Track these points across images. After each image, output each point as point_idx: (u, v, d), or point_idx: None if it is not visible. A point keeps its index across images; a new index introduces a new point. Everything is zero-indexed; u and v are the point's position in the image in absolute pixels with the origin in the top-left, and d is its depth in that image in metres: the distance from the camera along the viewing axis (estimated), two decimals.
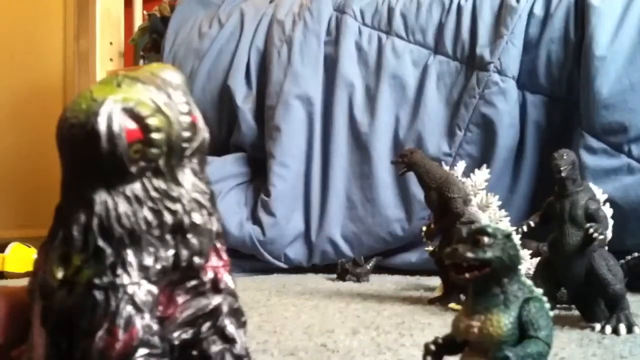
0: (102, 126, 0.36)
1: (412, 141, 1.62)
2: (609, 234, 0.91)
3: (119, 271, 0.37)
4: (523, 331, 0.45)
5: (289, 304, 1.13)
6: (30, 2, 3.07)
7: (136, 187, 0.38)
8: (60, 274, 0.37)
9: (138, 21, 2.49)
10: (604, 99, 1.39)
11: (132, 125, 0.37)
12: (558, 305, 0.98)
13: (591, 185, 0.93)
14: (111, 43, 2.33)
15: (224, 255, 0.42)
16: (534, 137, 1.55)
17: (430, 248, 1.18)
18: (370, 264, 1.50)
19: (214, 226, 0.41)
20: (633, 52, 1.41)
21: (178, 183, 0.39)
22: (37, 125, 3.04)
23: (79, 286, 0.37)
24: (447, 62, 1.66)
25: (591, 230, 0.85)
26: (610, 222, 0.92)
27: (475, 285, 0.48)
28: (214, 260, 0.41)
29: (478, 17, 1.63)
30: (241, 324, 0.43)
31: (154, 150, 0.38)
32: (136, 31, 2.40)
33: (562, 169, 0.88)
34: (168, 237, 0.39)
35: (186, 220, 0.39)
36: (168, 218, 0.39)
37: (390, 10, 1.76)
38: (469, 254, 0.46)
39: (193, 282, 0.40)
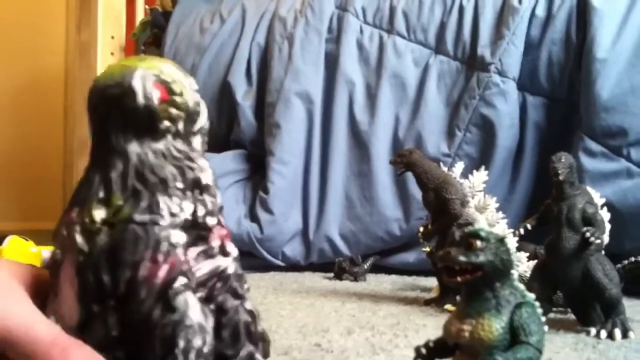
0: (137, 84, 0.41)
1: (411, 140, 1.62)
2: (606, 238, 0.90)
3: (155, 211, 0.40)
4: (514, 336, 0.45)
5: (285, 303, 1.12)
6: None
7: (161, 145, 0.42)
8: (99, 216, 0.40)
9: (140, 15, 2.48)
10: (604, 101, 1.39)
11: (161, 87, 0.42)
12: (554, 309, 0.98)
13: (589, 188, 0.92)
14: (113, 37, 2.33)
15: (226, 227, 0.45)
16: (534, 138, 1.55)
17: (427, 248, 1.18)
18: (368, 263, 1.50)
19: (218, 198, 0.44)
20: (634, 55, 1.41)
21: (193, 148, 0.44)
22: (38, 116, 3.04)
23: (119, 225, 0.40)
24: (448, 62, 1.66)
25: (588, 234, 0.85)
26: (608, 226, 0.92)
27: (467, 289, 0.47)
28: (220, 228, 0.44)
29: (480, 17, 1.63)
30: (246, 289, 0.45)
31: (177, 112, 0.42)
32: (137, 25, 2.40)
33: (559, 172, 0.88)
34: (189, 193, 0.42)
35: (203, 178, 0.43)
36: (189, 174, 0.42)
37: (392, 9, 1.76)
38: (461, 258, 0.46)
39: (203, 246, 0.42)
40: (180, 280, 0.40)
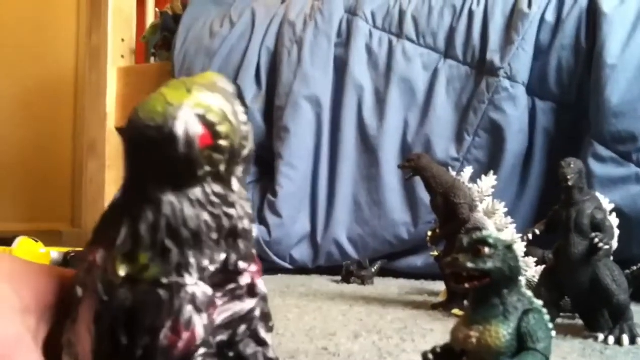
0: (180, 130, 0.37)
1: (420, 145, 1.62)
2: (615, 244, 0.90)
3: (183, 271, 0.38)
4: (521, 343, 0.45)
5: (293, 306, 1.13)
6: None
7: (197, 191, 0.39)
8: (123, 271, 0.38)
9: (150, 18, 2.50)
10: (614, 107, 1.38)
11: (204, 131, 0.38)
12: (562, 314, 0.97)
13: (598, 194, 0.92)
14: (123, 40, 2.34)
15: (258, 261, 0.43)
16: (543, 144, 1.54)
17: (435, 253, 1.18)
18: (375, 267, 1.50)
19: (255, 232, 0.42)
20: None
21: (232, 189, 0.41)
22: (48, 119, 3.06)
23: (143, 284, 0.38)
24: (457, 67, 1.66)
25: (596, 240, 0.85)
26: (616, 232, 0.92)
27: (475, 296, 0.47)
28: (252, 266, 0.42)
29: (489, 22, 1.63)
30: (270, 329, 0.43)
31: (219, 157, 0.39)
32: (148, 28, 2.41)
33: (569, 177, 0.88)
34: (223, 241, 0.40)
35: (240, 225, 0.41)
36: (225, 222, 0.40)
37: (402, 14, 1.76)
38: (469, 264, 0.46)
39: (231, 286, 0.41)
40: (201, 351, 0.38)
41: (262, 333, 0.43)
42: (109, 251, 0.39)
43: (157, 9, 2.46)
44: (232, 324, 0.41)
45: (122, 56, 2.33)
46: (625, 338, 0.83)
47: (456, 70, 1.65)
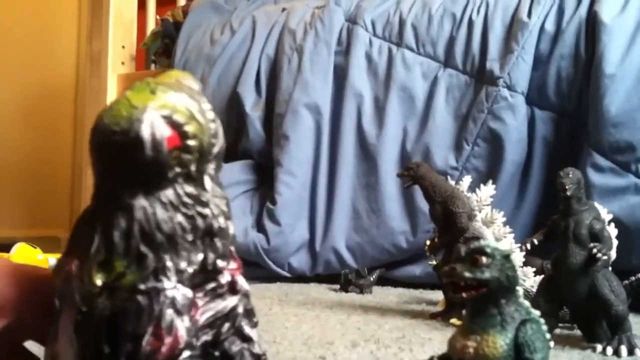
0: (146, 133, 0.37)
1: (419, 153, 1.62)
2: (613, 254, 0.90)
3: (161, 276, 0.38)
4: (519, 353, 0.45)
5: (291, 314, 1.13)
6: (46, 4, 3.09)
7: (169, 193, 0.39)
8: (100, 280, 0.38)
9: (151, 25, 2.50)
10: (613, 117, 1.38)
11: (172, 132, 0.38)
12: (560, 325, 0.97)
13: (596, 204, 0.92)
14: (123, 46, 2.35)
15: (237, 258, 0.43)
16: (542, 153, 1.54)
17: (434, 262, 1.18)
18: (374, 276, 1.49)
19: (231, 229, 0.42)
20: None
21: (204, 188, 0.40)
22: (48, 125, 3.06)
23: (121, 291, 0.37)
24: (457, 76, 1.66)
25: (595, 250, 0.85)
26: (615, 242, 0.92)
27: (473, 305, 0.47)
28: (231, 263, 0.42)
29: (489, 31, 1.63)
30: (254, 324, 0.43)
31: (188, 157, 0.39)
32: (148, 35, 2.41)
33: (567, 187, 0.88)
34: (199, 241, 0.40)
35: (215, 224, 0.40)
36: (200, 222, 0.40)
37: (402, 22, 1.76)
38: (467, 274, 0.46)
39: (212, 285, 0.40)
40: (185, 354, 0.38)
41: (247, 329, 0.43)
42: (83, 261, 0.38)
43: (157, 16, 2.47)
44: (215, 322, 0.41)
45: (123, 63, 2.33)
46: (624, 349, 0.83)
47: (455, 79, 1.66)
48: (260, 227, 1.67)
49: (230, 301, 0.41)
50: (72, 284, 0.38)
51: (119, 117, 0.37)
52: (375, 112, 1.72)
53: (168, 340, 0.37)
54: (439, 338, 0.92)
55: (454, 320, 1.04)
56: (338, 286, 1.49)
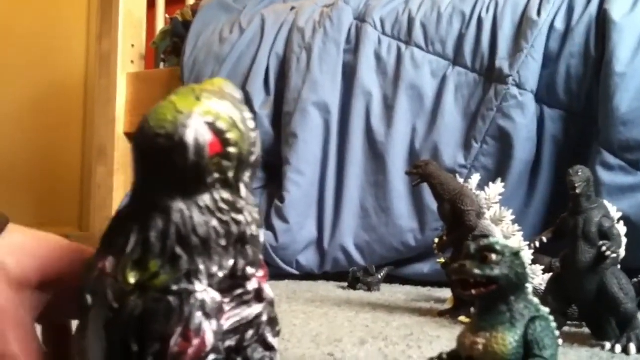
0: (190, 138, 0.38)
1: (428, 152, 1.62)
2: (622, 252, 0.90)
3: (193, 278, 0.38)
4: (528, 350, 0.45)
5: (299, 312, 1.13)
6: (55, 3, 3.11)
7: (206, 198, 0.39)
8: (133, 279, 0.38)
9: (160, 24, 2.51)
10: (623, 115, 1.38)
11: (214, 138, 0.39)
12: (569, 323, 0.97)
13: (605, 202, 0.92)
14: (133, 45, 2.35)
15: (265, 267, 0.44)
16: (551, 151, 1.54)
17: (442, 260, 1.18)
18: (382, 274, 1.50)
19: (262, 238, 0.43)
20: None
21: (240, 195, 0.41)
22: (57, 124, 3.07)
23: (153, 291, 0.38)
24: (466, 74, 1.66)
25: (604, 248, 0.85)
26: (624, 240, 0.91)
27: (482, 302, 0.48)
28: (259, 271, 0.42)
29: (498, 29, 1.63)
30: (276, 333, 0.44)
31: (228, 163, 0.39)
32: (158, 34, 2.42)
33: (576, 185, 0.88)
34: (231, 247, 0.40)
35: (248, 231, 0.41)
36: (234, 229, 0.40)
37: (411, 21, 1.76)
38: (476, 271, 0.46)
39: (239, 291, 0.41)
40: (210, 357, 0.38)
41: (269, 338, 0.43)
42: (118, 259, 0.39)
43: (167, 15, 2.47)
44: (239, 329, 0.41)
45: (132, 62, 2.34)
46: (633, 347, 0.83)
47: (465, 77, 1.65)
48: (268, 225, 1.67)
49: (256, 309, 0.42)
50: (105, 281, 0.39)
51: (164, 121, 0.38)
52: (384, 111, 1.72)
53: (196, 342, 0.38)
54: (447, 336, 0.92)
55: (462, 318, 1.04)
56: (346, 284, 1.50)
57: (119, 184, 2.24)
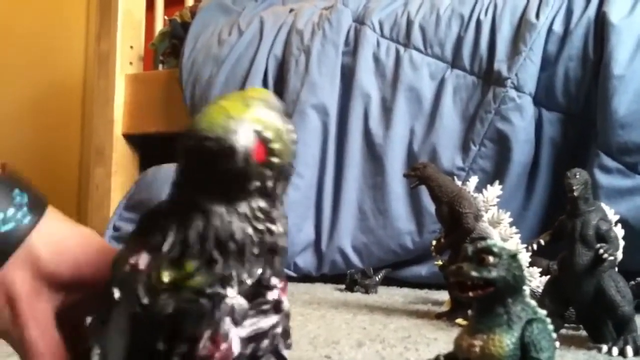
0: (239, 144, 0.38)
1: (426, 154, 1.62)
2: (620, 255, 0.90)
3: (226, 283, 0.39)
4: (525, 352, 0.45)
5: (296, 314, 1.13)
6: (54, 4, 3.11)
7: (244, 205, 0.40)
8: (168, 278, 0.38)
9: (159, 26, 2.51)
10: (621, 118, 1.38)
11: (260, 146, 0.39)
12: (566, 325, 0.97)
13: (603, 205, 0.92)
14: (131, 47, 2.35)
15: (285, 278, 0.44)
16: (549, 154, 1.54)
17: (440, 262, 1.18)
18: (379, 276, 1.49)
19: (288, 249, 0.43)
20: None
21: (275, 205, 0.41)
22: (55, 125, 3.07)
23: (186, 291, 0.38)
24: (464, 76, 1.66)
25: (601, 251, 0.85)
26: (622, 243, 0.91)
27: (479, 304, 0.48)
28: (281, 282, 0.43)
29: (497, 32, 1.63)
30: (288, 346, 0.44)
31: (269, 173, 0.40)
32: (156, 36, 2.42)
33: (574, 188, 0.88)
34: (261, 257, 0.41)
35: (279, 242, 0.42)
36: (267, 238, 0.41)
37: (409, 23, 1.76)
38: (474, 273, 0.46)
39: (259, 300, 0.41)
40: None
41: (282, 350, 0.43)
42: (153, 256, 0.39)
43: (166, 17, 2.47)
44: (255, 338, 0.41)
45: (131, 63, 2.34)
46: (629, 349, 0.83)
47: (463, 79, 1.66)
48: None
49: (272, 319, 0.42)
50: (137, 276, 0.39)
51: (215, 125, 0.38)
52: (382, 113, 1.72)
53: (223, 347, 0.38)
54: (444, 338, 0.92)
55: (459, 321, 1.04)
56: (344, 286, 1.49)
57: (116, 185, 2.24)
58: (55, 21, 3.10)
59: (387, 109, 1.71)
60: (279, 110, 0.41)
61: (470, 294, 0.47)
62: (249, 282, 0.40)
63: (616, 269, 0.89)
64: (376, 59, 1.78)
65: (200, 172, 0.39)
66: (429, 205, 1.35)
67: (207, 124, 0.38)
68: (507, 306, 0.47)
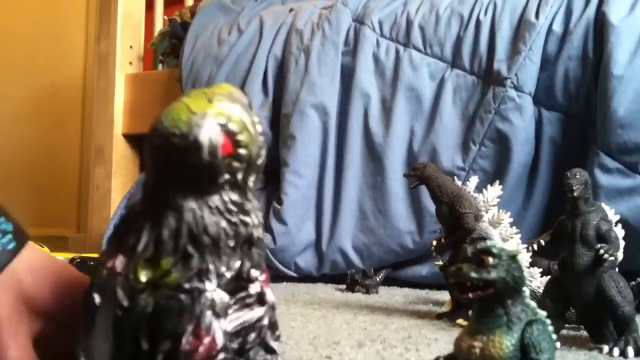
0: (204, 138, 0.38)
1: (426, 154, 1.62)
2: (620, 255, 0.90)
3: (204, 277, 0.39)
4: (525, 353, 0.45)
5: (297, 314, 1.13)
6: (54, 4, 3.11)
7: (216, 198, 0.40)
8: (145, 277, 0.39)
9: (158, 25, 2.51)
10: (621, 118, 1.38)
11: (227, 139, 0.39)
12: (566, 325, 0.97)
13: (603, 205, 0.92)
14: (131, 46, 2.36)
15: (267, 270, 0.44)
16: (549, 154, 1.54)
17: (440, 262, 1.18)
18: (380, 276, 1.49)
19: (266, 241, 0.43)
20: None
21: (247, 197, 0.42)
22: (56, 125, 3.07)
23: (164, 289, 0.38)
24: (464, 76, 1.66)
25: (602, 251, 0.84)
26: (622, 243, 0.91)
27: (479, 306, 0.48)
28: (262, 275, 0.43)
29: (496, 32, 1.63)
30: (277, 337, 0.44)
31: (238, 165, 0.40)
32: (156, 35, 2.42)
33: (574, 188, 0.88)
34: (238, 249, 0.41)
35: (255, 233, 0.42)
36: (242, 230, 0.41)
37: (409, 23, 1.76)
38: (473, 274, 0.46)
39: (242, 294, 0.41)
40: (221, 356, 0.39)
41: (271, 342, 0.43)
42: (129, 257, 0.39)
43: (165, 16, 2.47)
44: (242, 332, 0.41)
45: (130, 63, 2.34)
46: (630, 350, 0.83)
47: (463, 79, 1.65)
48: (266, 227, 1.67)
49: (258, 312, 0.42)
50: (115, 279, 0.39)
51: (178, 121, 0.39)
52: (382, 113, 1.72)
53: (207, 340, 0.38)
54: (445, 338, 0.92)
55: (460, 321, 1.04)
56: (344, 286, 1.49)
57: (117, 185, 2.24)
58: (55, 22, 3.10)
59: (387, 109, 1.71)
60: (242, 103, 0.42)
61: (470, 295, 0.47)
62: (228, 275, 0.40)
63: (617, 269, 0.89)
64: (376, 59, 1.77)
65: (169, 169, 0.39)
66: (430, 205, 1.35)
67: (170, 121, 0.39)
68: (506, 307, 0.47)
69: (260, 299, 0.42)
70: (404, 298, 1.38)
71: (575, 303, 0.90)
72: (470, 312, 1.01)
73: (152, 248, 0.39)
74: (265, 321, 0.43)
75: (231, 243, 0.40)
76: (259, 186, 1.80)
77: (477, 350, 0.46)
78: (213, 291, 0.39)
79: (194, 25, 2.15)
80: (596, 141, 1.43)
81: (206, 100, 0.40)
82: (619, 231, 0.91)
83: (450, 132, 1.62)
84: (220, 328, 0.39)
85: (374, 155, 1.69)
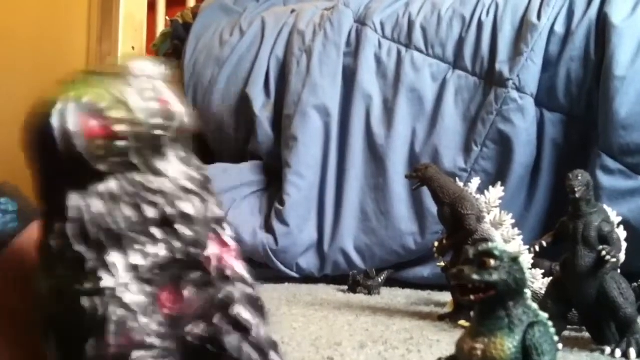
0: (54, 127, 0.35)
1: (428, 155, 1.62)
2: (622, 256, 0.90)
3: (103, 274, 0.36)
4: (527, 355, 0.45)
5: (299, 315, 1.13)
6: (56, 5, 3.11)
7: (111, 185, 0.36)
8: (45, 285, 0.36)
9: (160, 26, 2.51)
10: (623, 119, 1.38)
11: (90, 121, 0.35)
12: (569, 327, 0.97)
13: (605, 206, 0.92)
14: (133, 47, 2.36)
15: (229, 241, 0.40)
16: (551, 155, 1.54)
17: (442, 263, 1.18)
18: (382, 277, 1.49)
19: (210, 212, 0.39)
20: None
21: (158, 173, 0.38)
22: None
23: (65, 295, 0.36)
24: (466, 77, 1.65)
25: (604, 253, 0.84)
26: (624, 244, 0.91)
27: (481, 308, 0.48)
28: (214, 248, 0.39)
29: (498, 33, 1.63)
30: (259, 310, 0.41)
31: (120, 144, 0.36)
32: (158, 36, 2.42)
33: (576, 189, 0.88)
34: (155, 231, 0.37)
35: (171, 211, 0.37)
36: (149, 212, 0.37)
37: (411, 24, 1.76)
38: (475, 276, 0.46)
39: (197, 274, 0.38)
40: (135, 355, 0.36)
41: (246, 316, 0.40)
42: (34, 274, 0.37)
43: (167, 17, 2.47)
44: (205, 313, 0.38)
45: None
46: (632, 351, 0.83)
47: (465, 80, 1.65)
48: (268, 228, 1.67)
49: (222, 289, 0.39)
50: (35, 298, 0.38)
51: (34, 116, 0.36)
52: (384, 114, 1.72)
53: (115, 342, 0.35)
54: (447, 340, 0.92)
55: (462, 322, 1.04)
56: (346, 287, 1.49)
57: None
58: (57, 22, 3.10)
59: (388, 110, 1.71)
60: (129, 75, 0.37)
61: (472, 297, 0.47)
62: (145, 263, 0.36)
63: (619, 270, 0.89)
64: (378, 60, 1.77)
65: (41, 167, 0.37)
66: (432, 206, 1.35)
67: (32, 123, 0.36)
68: (508, 309, 0.47)
69: (222, 275, 0.39)
70: (406, 299, 1.38)
71: (577, 305, 0.90)
72: (472, 314, 1.01)
73: (45, 257, 0.37)
74: (235, 295, 0.39)
75: (139, 228, 0.36)
76: (257, 185, 1.79)
77: (479, 352, 0.46)
78: (120, 286, 0.35)
79: (196, 27, 2.15)
80: (598, 142, 1.43)
81: (69, 83, 0.36)
82: (621, 233, 0.91)
83: (452, 133, 1.62)
84: (134, 324, 0.36)
85: (375, 157, 1.69)
